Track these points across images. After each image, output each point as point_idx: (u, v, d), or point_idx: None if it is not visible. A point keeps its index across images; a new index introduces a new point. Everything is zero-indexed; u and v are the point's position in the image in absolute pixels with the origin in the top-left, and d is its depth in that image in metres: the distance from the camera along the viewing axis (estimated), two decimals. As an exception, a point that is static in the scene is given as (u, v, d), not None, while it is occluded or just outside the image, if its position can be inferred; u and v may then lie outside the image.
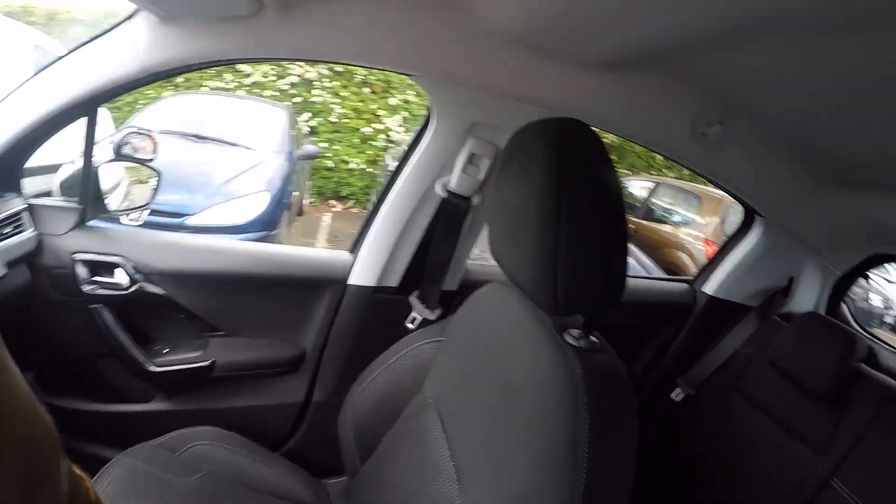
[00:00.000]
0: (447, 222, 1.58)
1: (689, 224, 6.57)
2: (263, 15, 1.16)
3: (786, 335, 2.05)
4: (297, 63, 7.33)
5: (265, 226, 4.32)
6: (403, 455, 1.09)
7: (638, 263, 5.05)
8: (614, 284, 0.88)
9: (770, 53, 1.11)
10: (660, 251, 6.53)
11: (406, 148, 1.61)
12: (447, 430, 1.01)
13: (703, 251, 5.95)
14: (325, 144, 7.94)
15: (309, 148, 6.01)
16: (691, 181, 6.94)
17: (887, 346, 2.36)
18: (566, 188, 0.80)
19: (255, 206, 4.30)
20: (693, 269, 5.77)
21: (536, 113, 0.91)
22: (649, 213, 7.31)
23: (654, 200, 7.43)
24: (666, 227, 6.88)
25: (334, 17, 1.22)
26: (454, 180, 1.52)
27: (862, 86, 1.12)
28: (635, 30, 1.13)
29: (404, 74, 1.43)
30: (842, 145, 1.59)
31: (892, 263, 3.10)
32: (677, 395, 2.29)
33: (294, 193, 5.35)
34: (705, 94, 1.55)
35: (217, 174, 4.45)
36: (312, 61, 1.55)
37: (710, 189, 6.46)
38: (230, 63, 1.29)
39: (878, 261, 2.46)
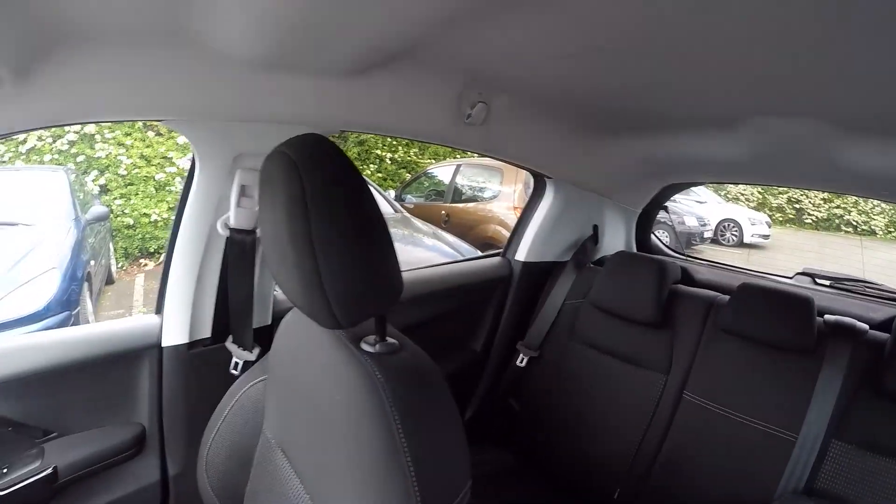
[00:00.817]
0: (238, 260, 1.56)
1: (497, 196, 7.05)
2: (0, 88, 1.08)
3: (601, 278, 2.27)
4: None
5: (63, 305, 3.97)
6: (266, 499, 1.08)
7: (453, 249, 5.22)
8: (391, 283, 0.92)
9: (510, 28, 1.20)
10: (476, 229, 6.93)
11: (179, 195, 1.57)
12: (293, 464, 1.02)
13: (515, 218, 6.32)
14: (121, 201, 7.48)
15: (98, 209, 5.53)
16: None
17: (699, 261, 2.69)
18: (313, 207, 0.81)
19: (47, 287, 3.95)
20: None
21: (296, 131, 0.91)
22: (458, 196, 7.73)
23: (459, 182, 7.85)
24: (476, 205, 7.30)
25: (72, 77, 1.16)
26: (232, 216, 1.51)
27: (610, 41, 1.22)
28: (370, 30, 1.18)
29: (154, 121, 1.39)
30: (605, 99, 1.76)
31: (692, 189, 3.40)
32: (521, 360, 2.44)
33: (91, 262, 4.96)
34: (461, 77, 1.65)
35: (-3, 263, 4.04)
36: (61, 125, 1.45)
37: None
38: None
39: (670, 191, 2.76)
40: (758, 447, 1.79)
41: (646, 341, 2.12)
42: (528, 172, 6.16)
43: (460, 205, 7.56)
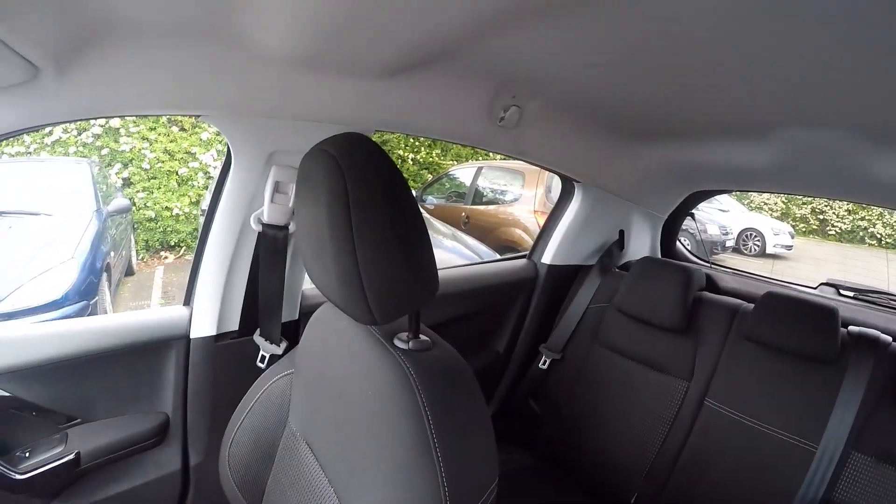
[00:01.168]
0: (269, 255, 1.59)
1: (518, 199, 7.03)
2: (40, 80, 1.10)
3: (626, 283, 2.27)
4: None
5: (81, 295, 4.06)
6: (289, 491, 1.11)
7: (471, 251, 5.22)
8: (427, 281, 0.94)
9: (544, 36, 1.21)
10: (495, 232, 6.93)
11: (213, 189, 1.60)
12: (318, 458, 1.04)
13: (535, 221, 6.42)
14: (144, 194, 7.58)
15: (120, 202, 5.62)
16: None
17: (724, 269, 2.67)
18: (354, 203, 0.83)
19: (65, 277, 4.04)
20: (530, 241, 6.11)
21: (332, 130, 0.93)
22: (478, 198, 7.73)
23: (480, 184, 7.85)
24: (497, 208, 7.29)
25: (113, 72, 1.18)
26: (266, 212, 1.54)
27: (641, 51, 1.24)
28: (407, 33, 1.19)
29: (192, 116, 1.42)
30: (634, 107, 1.77)
31: (715, 197, 3.39)
32: (543, 362, 2.45)
33: (111, 254, 5.04)
34: (495, 80, 1.66)
35: (18, 251, 4.15)
36: (99, 118, 1.47)
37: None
38: (12, 136, 1.21)
39: (697, 198, 2.75)
40: (777, 456, 1.79)
41: (669, 347, 2.13)
42: (549, 176, 6.19)
43: (480, 207, 7.57)
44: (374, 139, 0.95)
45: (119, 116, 1.36)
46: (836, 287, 2.31)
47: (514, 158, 2.09)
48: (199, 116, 1.40)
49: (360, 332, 1.02)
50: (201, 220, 5.10)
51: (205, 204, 5.19)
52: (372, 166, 0.87)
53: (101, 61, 1.15)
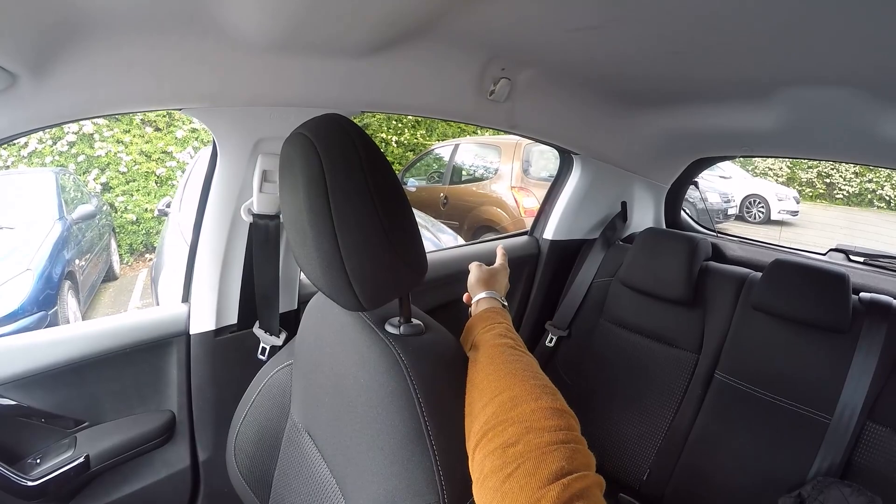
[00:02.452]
0: (262, 245, 1.61)
1: (494, 176, 6.95)
2: (18, 87, 1.11)
3: (630, 256, 2.29)
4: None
5: (39, 306, 4.13)
6: (294, 483, 1.13)
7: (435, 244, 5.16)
8: (414, 263, 0.93)
9: (530, 0, 1.21)
10: (474, 211, 6.92)
11: (203, 183, 1.61)
12: (320, 448, 1.06)
13: (513, 198, 6.40)
14: (123, 198, 7.61)
15: (84, 208, 5.66)
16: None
17: (730, 238, 2.68)
18: (332, 186, 0.83)
19: (20, 288, 4.10)
20: (508, 219, 6.22)
21: (316, 114, 0.93)
22: (457, 176, 7.68)
23: (457, 162, 7.79)
24: (475, 186, 7.23)
25: (91, 72, 1.19)
26: (255, 202, 1.56)
27: (631, 10, 1.23)
28: (385, 6, 1.20)
29: (174, 110, 1.43)
30: (631, 72, 1.77)
31: (716, 164, 3.38)
32: (550, 340, 2.49)
33: (75, 261, 5.11)
34: (482, 53, 1.67)
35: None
36: (80, 120, 1.48)
37: (502, 137, 6.87)
38: None
39: (700, 166, 2.77)
40: (790, 428, 1.81)
41: (677, 319, 2.15)
42: (527, 150, 6.13)
43: (460, 186, 7.53)
44: (355, 122, 0.94)
45: (101, 116, 1.36)
46: (846, 253, 2.33)
47: (505, 132, 2.09)
48: (181, 110, 1.41)
49: (352, 319, 1.02)
50: (166, 220, 5.13)
51: (161, 204, 5.25)
52: (350, 147, 0.86)
53: (77, 63, 1.16)
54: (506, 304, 1.20)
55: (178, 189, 5.73)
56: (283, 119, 1.51)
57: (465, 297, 1.27)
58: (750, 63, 1.50)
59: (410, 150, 11.25)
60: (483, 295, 1.20)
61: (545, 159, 6.62)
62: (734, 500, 1.85)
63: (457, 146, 7.95)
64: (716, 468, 1.92)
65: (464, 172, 7.66)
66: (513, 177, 6.63)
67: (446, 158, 8.12)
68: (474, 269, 1.30)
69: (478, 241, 2.84)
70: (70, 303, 4.67)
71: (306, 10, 1.16)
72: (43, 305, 4.15)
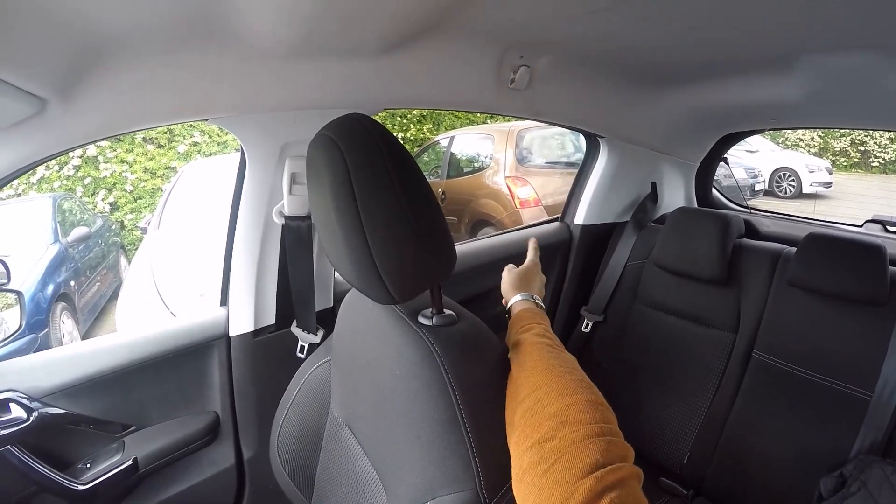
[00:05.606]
0: (296, 246, 1.69)
1: (489, 167, 6.83)
2: (48, 111, 1.18)
3: (663, 237, 2.32)
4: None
5: (30, 328, 4.34)
6: (337, 477, 1.18)
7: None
8: (443, 254, 0.97)
9: None
10: (470, 206, 6.84)
11: (234, 189, 1.69)
12: (361, 442, 1.12)
13: (507, 189, 6.34)
14: (132, 216, 7.86)
15: (79, 231, 5.88)
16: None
17: (763, 213, 2.70)
18: (357, 184, 0.86)
19: (11, 313, 4.21)
20: (504, 213, 6.17)
21: (339, 114, 0.98)
22: (454, 170, 7.59)
23: (453, 155, 7.70)
24: (470, 179, 7.23)
25: (117, 91, 1.26)
26: (286, 204, 1.63)
27: None
28: (400, 4, 1.25)
29: (199, 121, 1.51)
30: (650, 51, 1.80)
31: (745, 140, 3.37)
32: (585, 325, 2.53)
33: (71, 283, 5.33)
34: (500, 42, 1.72)
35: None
36: (109, 138, 1.54)
37: (498, 124, 6.82)
38: (29, 169, 1.29)
39: (728, 142, 2.79)
40: (830, 406, 1.82)
41: (712, 299, 2.17)
42: (520, 136, 6.05)
43: (457, 180, 7.41)
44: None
45: (129, 133, 1.44)
46: (883, 223, 2.33)
47: (526, 119, 2.12)
48: (207, 120, 1.49)
49: (386, 312, 1.07)
50: (145, 236, 5.31)
51: (142, 222, 5.36)
52: (373, 144, 0.89)
53: (103, 84, 1.23)
54: (541, 304, 1.23)
55: (157, 207, 5.90)
56: (308, 122, 1.57)
57: (503, 301, 1.30)
58: (771, 33, 1.52)
59: (418, 146, 11.19)
60: (518, 298, 1.23)
61: (545, 146, 6.55)
62: (775, 481, 1.88)
63: (452, 138, 7.87)
64: (756, 449, 1.94)
65: (461, 165, 7.57)
66: (507, 166, 6.55)
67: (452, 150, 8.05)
68: (505, 273, 1.33)
69: (508, 230, 2.89)
70: (66, 323, 4.86)
71: (318, 15, 1.22)
72: (33, 328, 4.35)
